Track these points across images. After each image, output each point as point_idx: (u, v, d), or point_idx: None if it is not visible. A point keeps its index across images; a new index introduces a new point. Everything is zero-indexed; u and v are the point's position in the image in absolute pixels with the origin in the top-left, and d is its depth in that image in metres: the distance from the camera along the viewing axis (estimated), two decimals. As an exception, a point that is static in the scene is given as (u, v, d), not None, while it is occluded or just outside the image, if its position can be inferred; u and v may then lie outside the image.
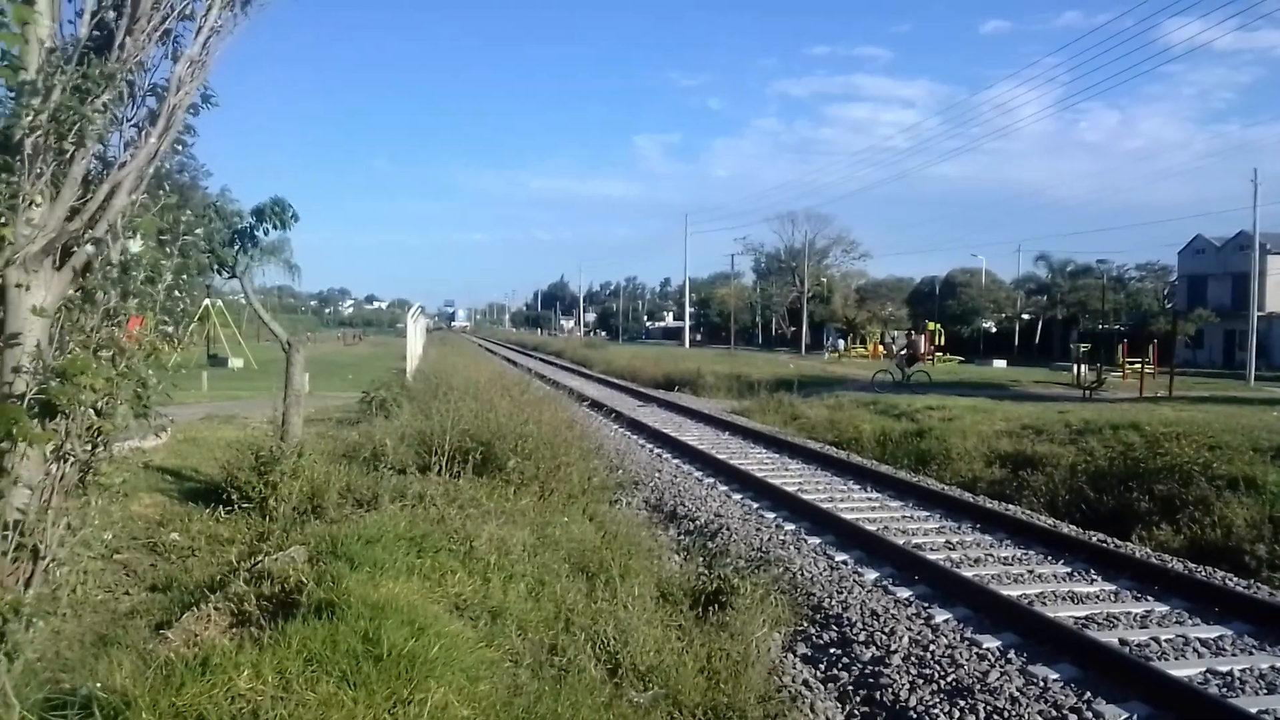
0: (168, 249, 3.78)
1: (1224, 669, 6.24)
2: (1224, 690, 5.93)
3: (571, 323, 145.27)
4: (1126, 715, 5.49)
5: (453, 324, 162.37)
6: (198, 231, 4.09)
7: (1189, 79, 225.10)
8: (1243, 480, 11.19)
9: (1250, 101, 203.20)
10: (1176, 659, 6.48)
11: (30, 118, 3.18)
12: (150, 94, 3.59)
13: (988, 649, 6.61)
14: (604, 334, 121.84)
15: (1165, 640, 6.81)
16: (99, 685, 3.80)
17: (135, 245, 3.48)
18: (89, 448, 3.44)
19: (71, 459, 3.35)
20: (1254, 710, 5.42)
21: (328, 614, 4.78)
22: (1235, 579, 8.65)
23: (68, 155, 3.32)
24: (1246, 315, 44.66)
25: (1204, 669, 6.27)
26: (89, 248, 3.37)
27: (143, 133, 3.50)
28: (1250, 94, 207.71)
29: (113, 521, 3.82)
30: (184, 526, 8.15)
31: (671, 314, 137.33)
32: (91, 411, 3.41)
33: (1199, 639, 6.84)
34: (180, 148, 3.91)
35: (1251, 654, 6.58)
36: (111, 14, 3.46)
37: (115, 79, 3.34)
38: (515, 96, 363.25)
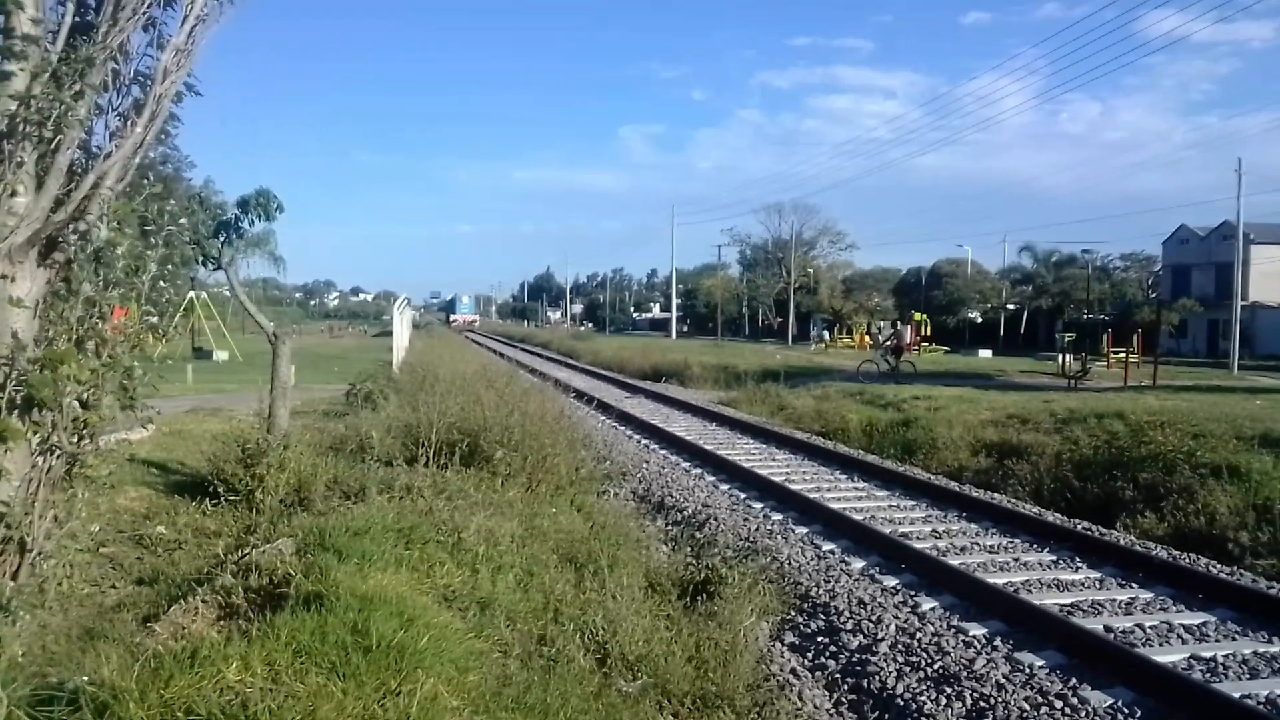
0: (152, 239, 3.75)
1: (1207, 655, 6.30)
2: (1207, 675, 5.99)
3: (558, 314, 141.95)
4: (1111, 701, 5.53)
5: (453, 319, 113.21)
6: (182, 222, 4.06)
7: (1169, 71, 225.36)
8: (1226, 468, 11.28)
9: (1229, 93, 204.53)
10: (1161, 645, 6.54)
11: (12, 106, 3.15)
12: (135, 82, 3.56)
13: (974, 636, 6.66)
14: (591, 325, 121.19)
15: (1150, 627, 6.87)
16: (86, 679, 3.77)
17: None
18: (75, 440, 3.41)
19: (58, 451, 3.32)
20: (1236, 695, 5.48)
21: (316, 606, 4.76)
22: (1218, 566, 8.73)
23: (50, 144, 3.28)
24: (1230, 305, 44.95)
25: (1188, 655, 6.32)
26: (74, 238, 3.33)
27: (128, 122, 3.46)
28: (1229, 85, 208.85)
29: (99, 514, 3.80)
30: (170, 520, 8.09)
31: (658, 305, 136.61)
32: (77, 404, 3.38)
33: (1183, 625, 6.90)
34: (165, 138, 3.88)
35: (1234, 640, 6.64)
36: (93, -1, 3.42)
37: (95, 63, 3.30)
38: (499, 90, 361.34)
